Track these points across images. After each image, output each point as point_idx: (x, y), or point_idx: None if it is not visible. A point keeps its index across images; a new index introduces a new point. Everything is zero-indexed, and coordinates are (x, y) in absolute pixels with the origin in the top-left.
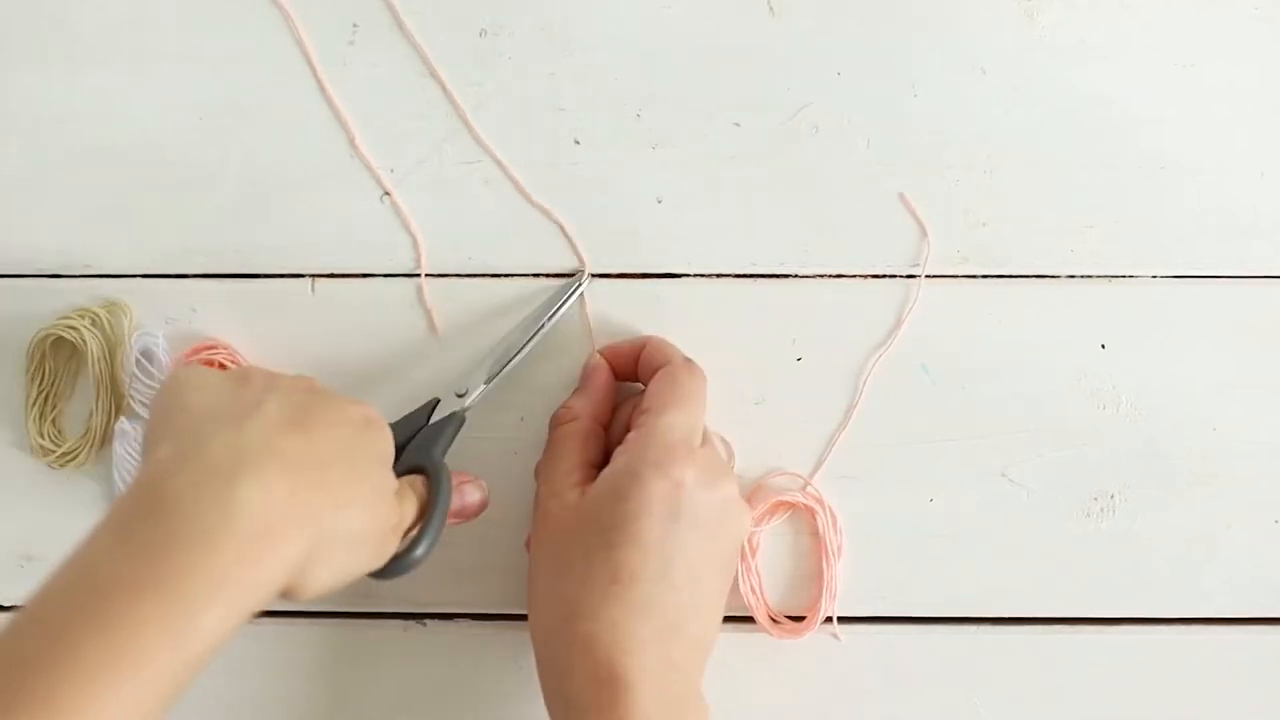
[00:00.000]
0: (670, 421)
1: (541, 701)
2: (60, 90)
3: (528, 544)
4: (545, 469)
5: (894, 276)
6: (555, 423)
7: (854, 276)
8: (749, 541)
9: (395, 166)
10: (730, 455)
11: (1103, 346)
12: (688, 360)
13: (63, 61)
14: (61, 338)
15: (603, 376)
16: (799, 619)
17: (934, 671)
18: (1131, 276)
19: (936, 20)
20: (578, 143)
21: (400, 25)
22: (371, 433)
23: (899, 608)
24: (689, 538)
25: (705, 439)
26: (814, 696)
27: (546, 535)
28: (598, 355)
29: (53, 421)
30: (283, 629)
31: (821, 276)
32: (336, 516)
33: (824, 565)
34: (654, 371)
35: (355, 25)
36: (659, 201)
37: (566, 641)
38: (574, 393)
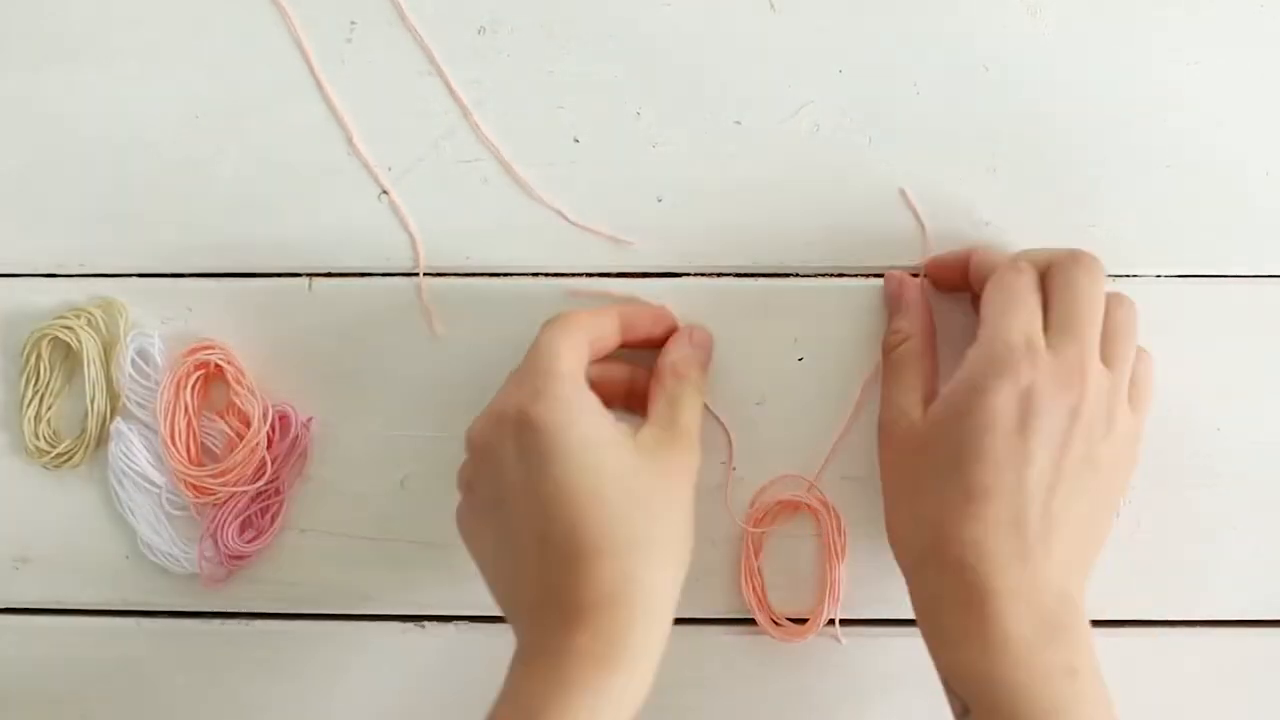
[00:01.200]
0: (1003, 326)
1: None
2: (54, 88)
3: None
4: (886, 393)
5: None
6: (888, 347)
7: (856, 275)
8: (752, 542)
9: (393, 164)
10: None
11: None
12: (1014, 260)
13: (57, 59)
14: (57, 338)
15: (914, 291)
16: (801, 621)
17: (938, 675)
18: (1136, 275)
19: (939, 17)
20: (577, 141)
21: (398, 22)
22: (524, 439)
23: (902, 611)
24: (1039, 449)
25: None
26: (817, 700)
27: (895, 457)
28: (897, 273)
29: (48, 422)
30: (281, 630)
31: (823, 275)
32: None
33: (828, 568)
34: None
35: (353, 22)
36: (659, 200)
37: (936, 568)
38: (893, 314)
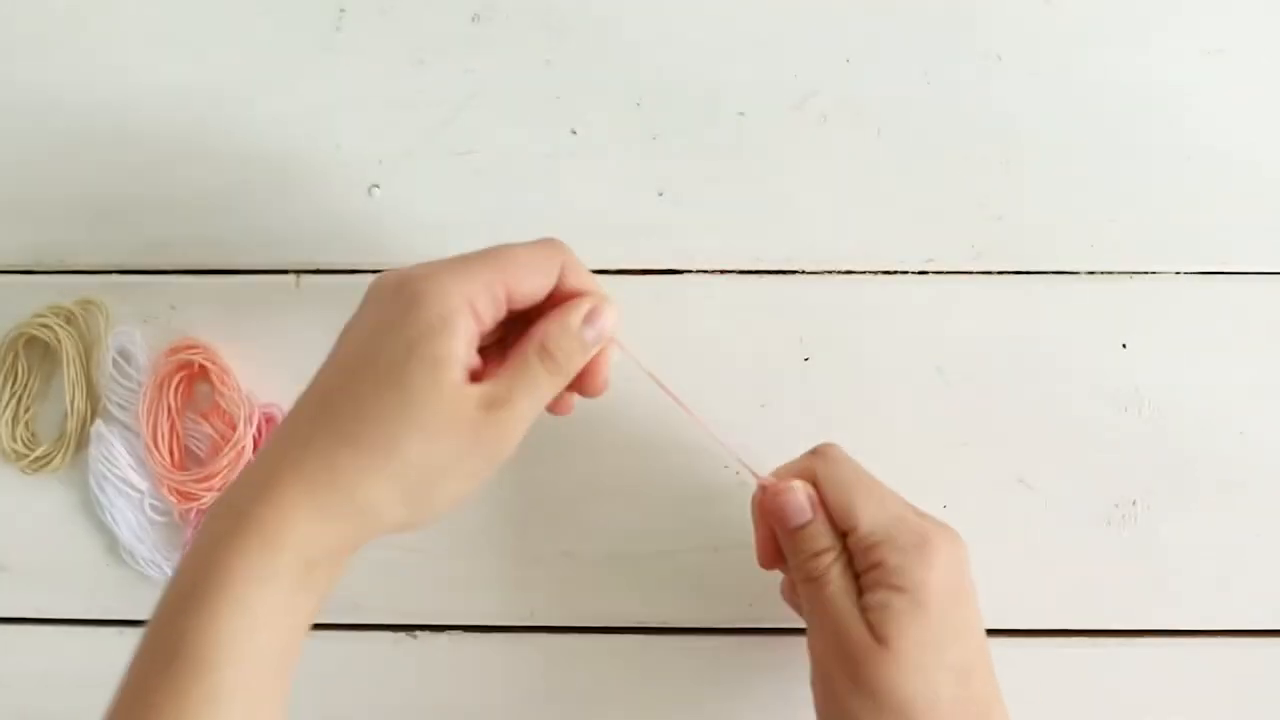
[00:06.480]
0: (885, 511)
1: (528, 711)
2: (34, 78)
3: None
4: (835, 614)
5: (905, 273)
6: (818, 571)
7: (864, 273)
8: None
9: (384, 158)
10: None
11: (1124, 346)
12: (824, 453)
13: (37, 47)
14: (35, 337)
15: (810, 502)
16: None
17: None
18: (1154, 272)
19: (950, 3)
20: (575, 133)
21: (389, 9)
22: (392, 315)
23: None
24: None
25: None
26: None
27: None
28: (773, 482)
29: (26, 425)
30: None
31: (830, 273)
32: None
33: None
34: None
35: (342, 10)
36: (660, 194)
37: None
38: (797, 533)
